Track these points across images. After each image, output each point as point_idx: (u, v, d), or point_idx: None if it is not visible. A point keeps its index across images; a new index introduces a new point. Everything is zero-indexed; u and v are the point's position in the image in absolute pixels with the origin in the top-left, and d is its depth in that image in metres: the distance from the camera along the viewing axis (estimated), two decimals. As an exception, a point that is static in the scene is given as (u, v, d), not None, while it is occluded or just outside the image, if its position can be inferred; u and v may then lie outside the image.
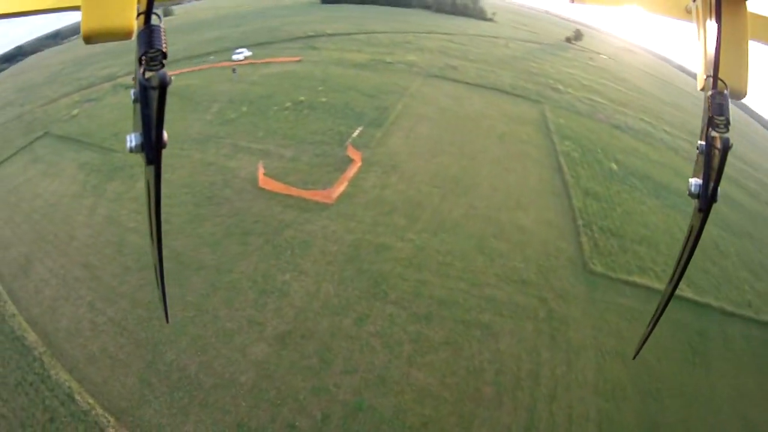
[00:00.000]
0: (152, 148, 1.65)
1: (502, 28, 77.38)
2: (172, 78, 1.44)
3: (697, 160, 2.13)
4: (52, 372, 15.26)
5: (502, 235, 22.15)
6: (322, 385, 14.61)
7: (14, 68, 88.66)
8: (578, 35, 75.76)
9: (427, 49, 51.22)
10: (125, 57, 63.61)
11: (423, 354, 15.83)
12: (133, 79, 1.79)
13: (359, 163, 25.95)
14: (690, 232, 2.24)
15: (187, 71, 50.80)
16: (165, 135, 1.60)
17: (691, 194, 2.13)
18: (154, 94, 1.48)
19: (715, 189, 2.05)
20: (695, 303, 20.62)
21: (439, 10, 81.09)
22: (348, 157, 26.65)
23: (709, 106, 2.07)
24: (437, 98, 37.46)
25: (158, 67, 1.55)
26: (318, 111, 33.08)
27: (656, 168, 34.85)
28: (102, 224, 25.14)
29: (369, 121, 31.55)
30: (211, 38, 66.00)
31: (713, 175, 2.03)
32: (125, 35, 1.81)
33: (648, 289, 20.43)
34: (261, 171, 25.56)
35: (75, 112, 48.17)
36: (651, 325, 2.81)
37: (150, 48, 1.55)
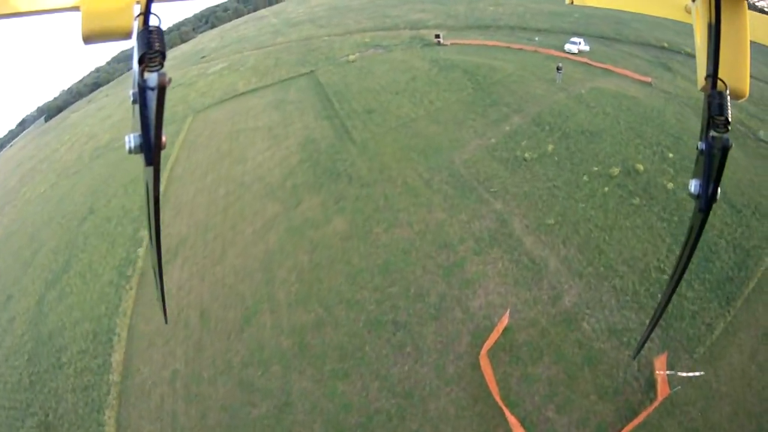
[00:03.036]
0: (151, 149, 1.65)
1: None
2: (165, 79, 1.43)
3: (697, 160, 2.13)
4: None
5: None
6: None
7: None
8: None
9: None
10: (449, 6, 59.47)
11: None
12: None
13: (659, 400, 11.10)
14: (690, 232, 2.21)
15: (504, 46, 38.00)
16: (164, 137, 1.61)
17: (691, 195, 2.12)
18: (153, 95, 1.49)
19: (715, 190, 2.03)
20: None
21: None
22: (653, 373, 11.74)
23: (708, 106, 2.13)
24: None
25: (157, 67, 1.58)
26: (654, 206, 17.13)
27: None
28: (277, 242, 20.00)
29: (722, 276, 14.37)
30: (548, 9, 50.39)
31: (713, 176, 2.07)
32: (124, 36, 1.88)
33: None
34: (503, 324, 13.24)
35: (353, 57, 42.57)
36: (651, 325, 2.78)
37: (149, 49, 1.58)
